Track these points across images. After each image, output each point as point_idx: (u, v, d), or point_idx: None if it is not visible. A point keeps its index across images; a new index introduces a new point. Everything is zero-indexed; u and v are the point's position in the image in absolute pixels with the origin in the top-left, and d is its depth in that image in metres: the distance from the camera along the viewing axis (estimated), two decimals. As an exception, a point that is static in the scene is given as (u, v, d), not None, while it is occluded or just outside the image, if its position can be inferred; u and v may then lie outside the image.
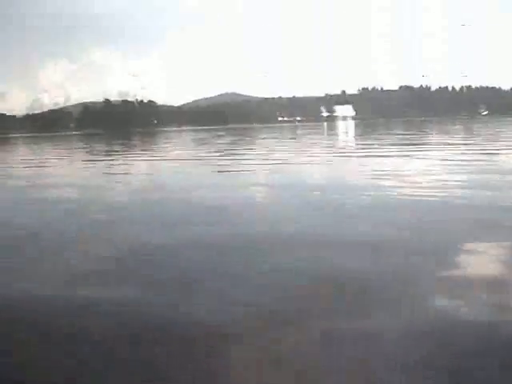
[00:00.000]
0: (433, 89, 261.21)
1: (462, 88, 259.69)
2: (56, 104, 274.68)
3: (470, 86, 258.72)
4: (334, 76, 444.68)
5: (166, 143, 38.90)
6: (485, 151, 16.28)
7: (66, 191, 10.53)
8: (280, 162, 15.58)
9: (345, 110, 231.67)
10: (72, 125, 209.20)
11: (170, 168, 15.48)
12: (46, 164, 20.28)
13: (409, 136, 33.62)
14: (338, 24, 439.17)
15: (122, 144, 41.34)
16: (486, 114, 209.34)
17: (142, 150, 29.28)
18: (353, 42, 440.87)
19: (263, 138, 40.21)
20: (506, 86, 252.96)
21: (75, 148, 35.56)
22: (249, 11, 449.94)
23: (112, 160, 21.56)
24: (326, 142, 32.44)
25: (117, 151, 29.90)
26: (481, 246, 4.89)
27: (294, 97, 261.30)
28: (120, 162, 20.37)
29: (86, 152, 29.61)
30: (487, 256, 4.63)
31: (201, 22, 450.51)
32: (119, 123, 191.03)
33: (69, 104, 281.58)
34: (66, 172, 16.25)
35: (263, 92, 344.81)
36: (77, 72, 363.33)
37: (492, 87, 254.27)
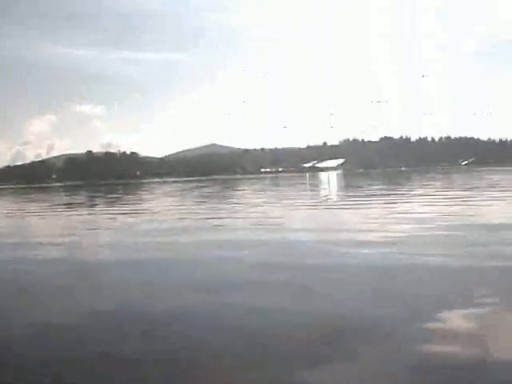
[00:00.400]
0: (413, 139, 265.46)
1: (441, 138, 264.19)
2: (38, 156, 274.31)
3: (449, 137, 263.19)
4: (315, 128, 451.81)
5: (144, 196, 38.42)
6: (466, 203, 16.06)
7: (35, 249, 9.98)
8: (259, 215, 15.17)
9: (327, 162, 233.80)
10: (54, 176, 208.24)
11: (144, 222, 14.96)
12: (21, 220, 19.72)
13: (389, 187, 33.58)
14: (318, 75, 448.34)
15: (102, 197, 40.78)
16: (465, 164, 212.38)
17: (121, 203, 28.77)
18: (332, 95, 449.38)
19: (243, 190, 39.91)
20: (483, 137, 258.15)
21: (53, 201, 34.93)
22: (229, 62, 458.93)
23: (91, 215, 21.06)
24: (309, 193, 32.18)
25: (96, 204, 29.42)
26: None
27: (276, 148, 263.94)
28: (97, 216, 19.85)
29: (64, 205, 29.01)
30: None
31: (185, 75, 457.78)
32: (102, 175, 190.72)
33: (51, 156, 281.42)
34: (38, 229, 15.66)
35: (246, 144, 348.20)
36: (60, 125, 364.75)
37: (470, 137, 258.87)
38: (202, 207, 20.95)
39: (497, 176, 44.17)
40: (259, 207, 19.10)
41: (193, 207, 21.27)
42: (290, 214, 15.85)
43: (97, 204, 29.42)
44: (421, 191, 26.20)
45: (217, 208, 19.98)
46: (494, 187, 26.47)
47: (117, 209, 22.85)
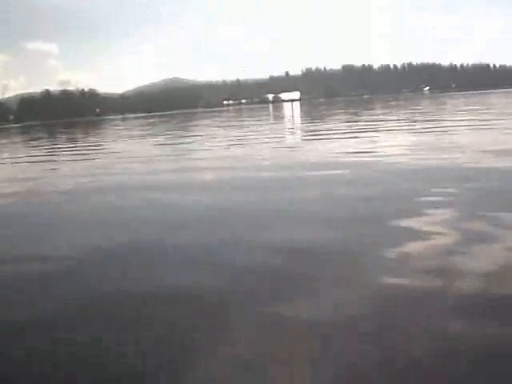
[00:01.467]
0: (375, 67, 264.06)
1: (403, 65, 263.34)
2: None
3: (410, 63, 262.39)
4: (277, 58, 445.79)
5: (98, 135, 37.22)
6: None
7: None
8: (219, 154, 14.47)
9: (290, 94, 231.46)
10: (11, 117, 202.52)
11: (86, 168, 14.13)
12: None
13: (349, 117, 33.19)
14: (283, 6, 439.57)
15: (45, 138, 39.43)
16: (427, 90, 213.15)
17: (70, 140, 27.66)
18: (295, 22, 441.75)
19: (208, 125, 38.87)
20: (445, 62, 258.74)
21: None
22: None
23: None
24: (275, 126, 31.33)
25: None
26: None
27: (237, 80, 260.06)
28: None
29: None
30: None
31: (142, 9, 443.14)
32: (60, 114, 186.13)
33: (6, 96, 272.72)
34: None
35: (207, 76, 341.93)
36: (13, 64, 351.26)
37: (432, 63, 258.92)
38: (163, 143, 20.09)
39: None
40: (219, 141, 18.33)
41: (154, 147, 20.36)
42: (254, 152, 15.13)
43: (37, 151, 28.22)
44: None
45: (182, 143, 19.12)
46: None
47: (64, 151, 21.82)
